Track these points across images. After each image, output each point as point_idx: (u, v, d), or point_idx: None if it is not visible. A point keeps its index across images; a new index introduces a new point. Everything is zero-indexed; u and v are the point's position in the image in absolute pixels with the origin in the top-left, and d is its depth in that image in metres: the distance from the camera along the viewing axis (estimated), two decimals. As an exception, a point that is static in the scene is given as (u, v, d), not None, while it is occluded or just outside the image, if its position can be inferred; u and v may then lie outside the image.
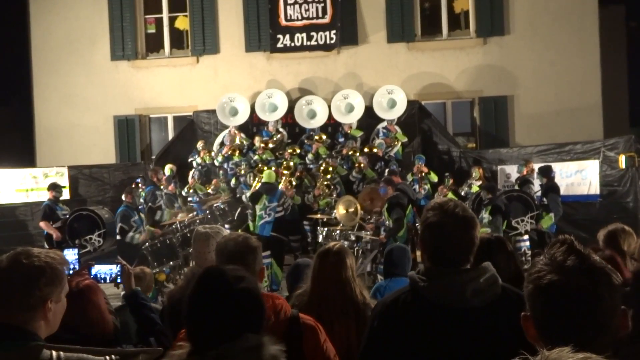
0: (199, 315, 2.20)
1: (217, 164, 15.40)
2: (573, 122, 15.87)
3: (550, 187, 11.93)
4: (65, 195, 13.95)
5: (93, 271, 3.48)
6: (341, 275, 3.81)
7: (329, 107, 15.87)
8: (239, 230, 11.55)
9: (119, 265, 3.56)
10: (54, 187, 12.63)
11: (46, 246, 11.64)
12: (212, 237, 3.86)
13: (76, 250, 3.93)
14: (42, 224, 12.42)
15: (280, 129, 15.96)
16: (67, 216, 12.42)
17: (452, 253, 2.50)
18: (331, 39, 16.73)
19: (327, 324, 3.46)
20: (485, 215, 10.91)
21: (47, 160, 17.22)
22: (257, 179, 14.19)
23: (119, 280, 3.58)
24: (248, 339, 2.12)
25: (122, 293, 6.99)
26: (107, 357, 2.29)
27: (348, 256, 3.95)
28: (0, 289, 2.24)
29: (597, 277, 1.63)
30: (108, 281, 3.60)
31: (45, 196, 12.98)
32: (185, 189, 14.63)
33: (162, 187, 13.68)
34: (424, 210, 2.64)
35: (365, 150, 14.82)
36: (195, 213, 13.08)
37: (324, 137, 15.34)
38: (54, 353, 2.20)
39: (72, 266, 3.32)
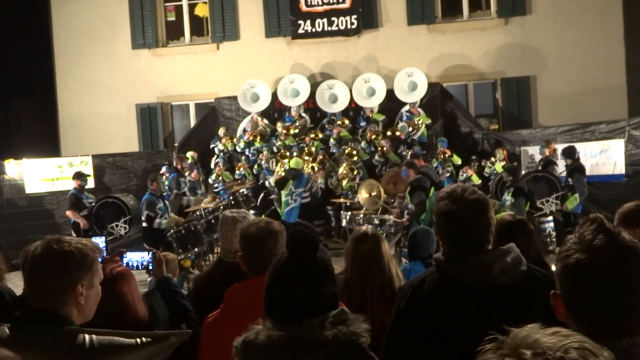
0: (285, 286, 2.24)
1: (239, 150, 15.46)
2: (597, 102, 15.67)
3: (576, 168, 11.81)
4: (90, 183, 14.08)
5: (125, 259, 3.52)
6: (380, 258, 3.79)
7: (350, 91, 15.83)
8: (263, 216, 11.61)
9: (150, 253, 3.60)
10: (79, 176, 12.70)
11: (74, 235, 11.78)
12: (239, 221, 3.82)
13: (103, 239, 3.99)
14: (68, 213, 12.53)
15: (303, 114, 15.97)
16: (93, 204, 12.54)
17: (469, 238, 2.50)
18: (352, 24, 16.68)
19: (361, 306, 3.47)
20: (508, 198, 10.85)
21: (72, 149, 17.39)
22: (279, 164, 14.22)
23: (150, 268, 3.63)
24: (343, 311, 2.17)
25: (149, 280, 7.05)
26: (139, 340, 2.31)
27: (383, 239, 3.94)
28: (33, 275, 2.29)
29: (626, 256, 1.63)
30: (140, 268, 3.65)
31: (70, 185, 13.08)
32: (213, 177, 14.72)
33: (185, 174, 13.77)
34: (436, 199, 2.65)
35: (388, 133, 14.78)
36: (219, 200, 13.13)
37: (346, 121, 15.33)
38: (86, 337, 2.22)
39: (100, 254, 3.36)
